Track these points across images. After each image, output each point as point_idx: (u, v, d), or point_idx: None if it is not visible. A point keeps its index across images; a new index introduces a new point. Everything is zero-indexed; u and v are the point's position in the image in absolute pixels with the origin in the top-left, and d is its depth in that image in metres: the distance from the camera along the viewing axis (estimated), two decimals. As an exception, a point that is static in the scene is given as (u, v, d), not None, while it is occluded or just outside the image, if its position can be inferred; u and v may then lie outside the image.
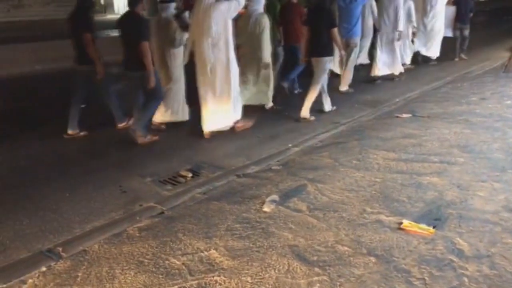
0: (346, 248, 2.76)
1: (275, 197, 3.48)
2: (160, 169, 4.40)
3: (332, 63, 6.49)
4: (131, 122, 5.42)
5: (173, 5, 5.52)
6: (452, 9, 9.79)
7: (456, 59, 10.16)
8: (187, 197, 3.70)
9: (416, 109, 6.01)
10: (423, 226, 2.94)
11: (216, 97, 5.13)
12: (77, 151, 5.07)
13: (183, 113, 5.75)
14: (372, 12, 7.91)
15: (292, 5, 6.95)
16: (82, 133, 5.47)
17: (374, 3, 7.96)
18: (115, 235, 3.09)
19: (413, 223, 2.98)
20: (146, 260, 2.75)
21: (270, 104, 6.44)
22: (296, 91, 7.24)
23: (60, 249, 2.95)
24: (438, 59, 9.75)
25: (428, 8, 9.21)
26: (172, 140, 5.33)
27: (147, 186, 4.04)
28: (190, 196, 3.73)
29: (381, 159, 4.26)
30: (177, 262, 2.71)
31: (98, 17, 25.90)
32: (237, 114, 5.35)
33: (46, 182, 4.17)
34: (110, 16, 27.08)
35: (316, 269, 2.56)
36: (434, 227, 2.91)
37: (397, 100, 6.86)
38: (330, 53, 5.84)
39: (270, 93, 6.34)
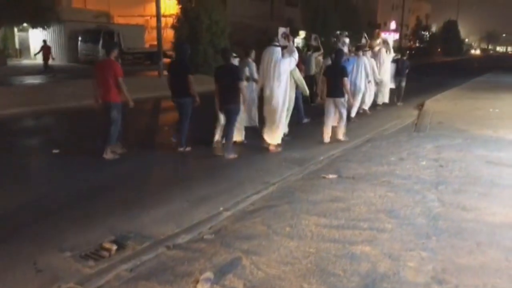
0: (287, 334, 2.64)
1: (209, 274, 3.30)
2: (81, 241, 4.03)
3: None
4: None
5: (234, 55, 7.53)
6: (393, 66, 12.88)
7: (399, 104, 13.15)
8: (111, 275, 3.39)
9: (341, 169, 6.21)
10: (361, 304, 2.93)
11: (274, 121, 7.32)
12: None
13: (241, 135, 7.92)
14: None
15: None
16: (188, 149, 7.34)
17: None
18: (27, 329, 2.71)
19: (351, 300, 2.97)
20: None
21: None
22: (304, 121, 9.79)
23: None
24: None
25: (378, 66, 11.76)
26: (95, 206, 4.96)
27: (67, 263, 3.65)
28: (114, 273, 3.42)
29: (313, 225, 4.27)
30: None
31: (13, 62, 24.55)
32: (279, 138, 7.56)
33: None
34: (26, 62, 25.70)
35: None
36: (371, 305, 2.92)
37: (322, 158, 7.08)
38: (343, 95, 8.13)
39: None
